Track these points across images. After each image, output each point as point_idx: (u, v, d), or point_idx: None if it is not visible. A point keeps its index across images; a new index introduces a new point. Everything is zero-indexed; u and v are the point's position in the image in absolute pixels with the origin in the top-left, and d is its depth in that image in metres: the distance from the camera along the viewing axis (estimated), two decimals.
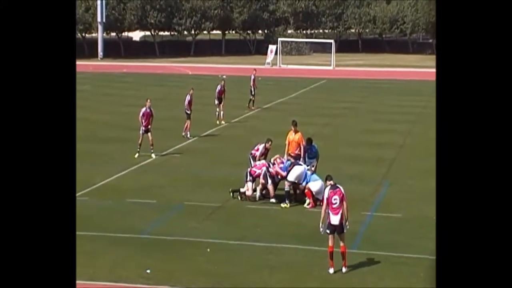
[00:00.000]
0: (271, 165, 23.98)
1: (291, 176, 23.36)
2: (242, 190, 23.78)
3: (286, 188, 23.39)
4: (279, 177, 23.90)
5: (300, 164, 23.97)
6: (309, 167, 24.04)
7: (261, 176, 23.63)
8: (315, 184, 23.06)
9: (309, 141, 25.29)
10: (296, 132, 25.62)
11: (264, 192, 23.89)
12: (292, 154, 25.12)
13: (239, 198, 23.72)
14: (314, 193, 22.95)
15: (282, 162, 24.13)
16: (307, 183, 23.22)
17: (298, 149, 25.19)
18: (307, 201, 23.09)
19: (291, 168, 23.57)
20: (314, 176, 23.53)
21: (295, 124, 25.91)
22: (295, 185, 23.48)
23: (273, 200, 23.54)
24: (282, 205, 23.05)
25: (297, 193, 23.62)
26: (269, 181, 23.54)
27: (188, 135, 35.41)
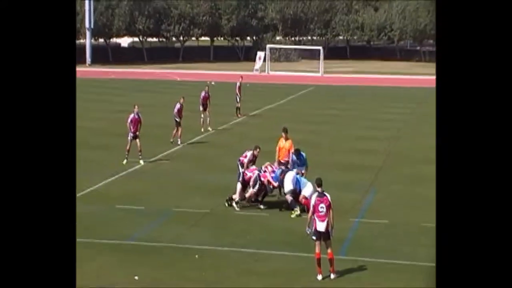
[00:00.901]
0: (261, 171, 24.08)
1: (288, 186, 23.29)
2: (234, 196, 23.84)
3: (289, 198, 23.29)
4: (271, 187, 23.99)
5: (290, 170, 24.09)
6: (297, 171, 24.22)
7: (252, 180, 23.73)
8: (306, 189, 23.16)
9: (297, 151, 25.28)
10: (286, 139, 25.79)
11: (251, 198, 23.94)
12: (283, 161, 25.29)
13: (234, 204, 23.70)
14: (308, 197, 22.97)
15: (273, 171, 24.20)
16: (300, 189, 23.26)
17: (288, 156, 25.34)
18: (296, 209, 22.98)
19: (283, 177, 23.62)
20: (303, 180, 23.60)
21: (285, 131, 26.05)
22: (296, 192, 23.41)
23: (261, 206, 23.66)
24: (292, 215, 22.77)
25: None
26: (256, 186, 23.64)
27: (179, 142, 35.44)
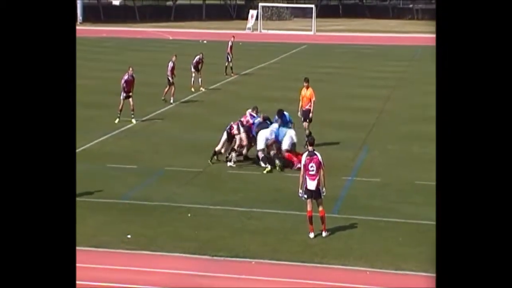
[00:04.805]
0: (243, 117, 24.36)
1: (260, 144, 23.50)
2: (216, 149, 23.92)
3: (261, 155, 23.38)
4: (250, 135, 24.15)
5: (267, 127, 23.98)
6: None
7: (235, 129, 23.79)
8: (285, 141, 23.38)
9: (280, 112, 25.12)
10: (307, 88, 27.28)
11: (241, 150, 23.96)
12: (304, 109, 26.68)
13: (216, 158, 23.83)
14: (290, 147, 23.19)
15: (253, 116, 24.39)
16: (279, 142, 23.37)
17: (309, 104, 26.79)
18: (267, 166, 23.05)
19: (257, 131, 23.71)
20: (282, 131, 23.67)
21: (307, 80, 27.58)
22: (268, 148, 23.51)
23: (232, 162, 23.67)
24: (265, 171, 23.03)
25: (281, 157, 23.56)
26: (241, 129, 23.71)
27: (172, 101, 35.33)
